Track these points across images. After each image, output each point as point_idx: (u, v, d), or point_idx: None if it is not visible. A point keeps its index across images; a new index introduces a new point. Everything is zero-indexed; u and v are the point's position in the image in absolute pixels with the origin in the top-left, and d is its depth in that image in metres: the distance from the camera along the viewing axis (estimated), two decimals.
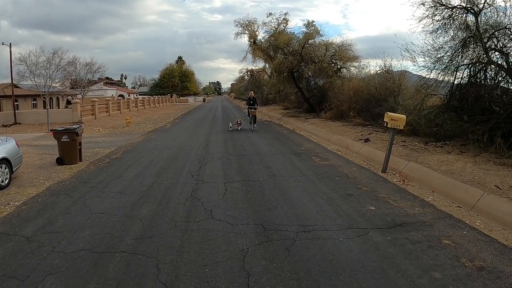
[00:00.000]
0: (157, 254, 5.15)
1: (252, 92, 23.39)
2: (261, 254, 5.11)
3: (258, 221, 6.38)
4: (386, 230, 5.95)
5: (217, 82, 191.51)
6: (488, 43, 11.37)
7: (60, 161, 11.47)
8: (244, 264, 4.83)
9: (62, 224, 6.36)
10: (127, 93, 77.14)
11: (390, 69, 19.36)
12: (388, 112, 10.33)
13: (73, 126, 12.35)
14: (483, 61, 11.61)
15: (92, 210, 7.04)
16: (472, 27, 11.69)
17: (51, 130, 14.12)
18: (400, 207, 7.08)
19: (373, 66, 35.19)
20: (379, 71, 20.49)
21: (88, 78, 42.67)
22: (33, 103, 41.34)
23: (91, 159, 12.50)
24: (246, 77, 63.20)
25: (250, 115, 21.55)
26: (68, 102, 31.34)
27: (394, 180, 9.30)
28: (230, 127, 21.46)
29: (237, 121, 21.98)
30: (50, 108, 28.80)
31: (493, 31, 11.12)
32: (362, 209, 6.99)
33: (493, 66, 11.47)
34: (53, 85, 30.61)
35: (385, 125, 10.30)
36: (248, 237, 5.73)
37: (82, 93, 40.12)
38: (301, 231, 5.92)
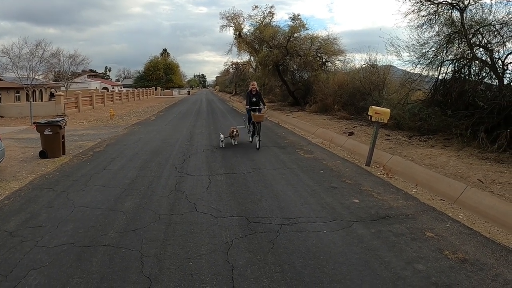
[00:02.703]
0: (141, 247, 5.06)
1: (255, 84, 13.71)
2: (245, 247, 5.06)
3: (242, 214, 6.32)
4: (370, 222, 5.94)
5: (202, 74, 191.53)
6: (473, 39, 11.44)
7: (43, 155, 11.21)
8: (228, 257, 4.77)
9: (45, 218, 6.21)
10: (111, 85, 76.34)
11: (375, 63, 19.50)
12: (373, 106, 10.35)
13: (56, 119, 12.08)
14: (467, 57, 11.70)
15: (76, 204, 6.89)
16: (457, 23, 11.76)
17: (33, 123, 13.83)
18: (384, 200, 7.10)
19: (358, 60, 35.56)
20: (364, 65, 20.59)
21: (71, 71, 41.78)
22: (16, 96, 40.67)
23: (74, 152, 12.27)
24: (231, 70, 63.14)
25: (253, 122, 13.12)
26: (52, 95, 30.76)
27: (378, 173, 9.33)
28: (222, 141, 13.12)
29: (232, 131, 13.51)
30: (33, 101, 28.19)
31: (478, 27, 11.19)
32: (346, 201, 6.98)
33: (477, 62, 11.56)
34: (36, 77, 30.01)
35: (369, 118, 10.32)
36: (232, 229, 5.68)
37: (65, 86, 39.36)
38: (285, 224, 5.88)
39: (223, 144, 13.03)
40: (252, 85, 13.52)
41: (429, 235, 5.46)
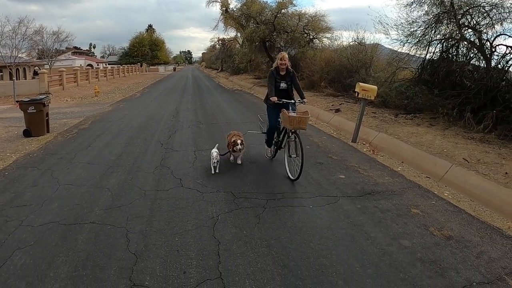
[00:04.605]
0: (127, 224, 5.00)
1: (286, 57, 7.33)
2: (231, 222, 5.02)
3: (228, 189, 6.27)
4: (356, 198, 5.94)
5: (188, 51, 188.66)
6: (462, 20, 11.37)
7: (27, 133, 10.92)
8: (214, 232, 4.73)
9: (30, 197, 6.06)
10: (96, 62, 74.69)
11: (363, 41, 19.34)
12: (360, 82, 10.29)
13: (40, 96, 11.76)
14: (456, 37, 11.64)
15: (60, 182, 6.75)
16: (446, 3, 11.64)
17: (17, 102, 13.46)
18: (370, 176, 7.10)
19: (346, 37, 35.44)
20: (351, 43, 20.39)
21: (55, 48, 40.78)
22: None
23: (59, 130, 11.98)
24: (217, 46, 62.50)
25: (284, 129, 7.30)
26: (35, 73, 29.90)
27: (364, 150, 9.33)
28: (215, 162, 7.11)
29: (233, 142, 7.42)
30: (16, 80, 27.38)
31: (467, 8, 11.10)
32: (332, 177, 6.97)
33: (465, 42, 11.51)
34: (20, 55, 29.17)
35: (356, 95, 10.27)
36: (218, 205, 5.63)
37: (49, 63, 38.42)
38: (271, 199, 5.84)
39: (217, 169, 7.20)
40: (282, 60, 7.28)
41: (414, 211, 5.48)
